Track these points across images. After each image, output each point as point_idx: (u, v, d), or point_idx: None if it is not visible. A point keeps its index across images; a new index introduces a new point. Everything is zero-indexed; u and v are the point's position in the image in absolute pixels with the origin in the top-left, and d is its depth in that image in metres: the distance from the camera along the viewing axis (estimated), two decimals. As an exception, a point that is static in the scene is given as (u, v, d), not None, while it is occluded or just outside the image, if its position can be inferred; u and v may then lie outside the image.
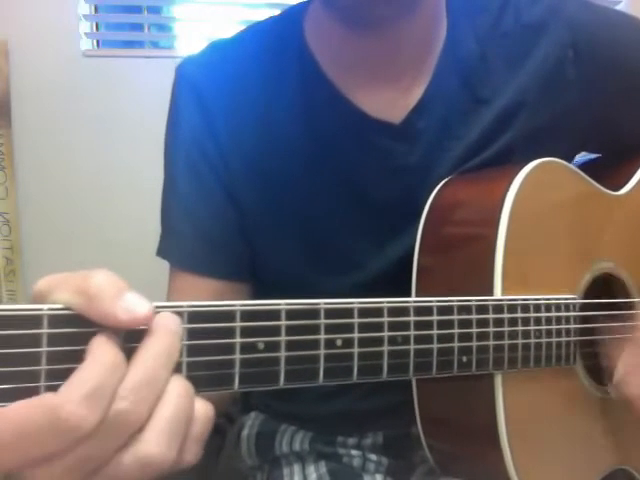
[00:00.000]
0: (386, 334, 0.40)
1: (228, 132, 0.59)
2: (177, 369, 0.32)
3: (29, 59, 1.33)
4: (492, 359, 0.47)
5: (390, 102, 0.59)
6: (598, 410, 0.58)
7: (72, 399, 0.27)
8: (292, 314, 0.36)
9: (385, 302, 0.41)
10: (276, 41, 0.61)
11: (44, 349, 0.29)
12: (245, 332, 0.34)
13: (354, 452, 0.68)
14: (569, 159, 0.64)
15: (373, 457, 0.68)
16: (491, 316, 0.47)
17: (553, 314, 0.52)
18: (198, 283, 0.59)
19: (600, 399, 0.58)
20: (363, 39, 0.57)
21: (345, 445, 0.68)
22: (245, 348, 0.34)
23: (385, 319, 0.40)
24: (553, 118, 0.61)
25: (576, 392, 0.56)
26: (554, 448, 0.53)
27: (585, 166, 0.66)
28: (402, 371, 0.42)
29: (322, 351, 0.37)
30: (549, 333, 0.51)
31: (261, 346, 0.35)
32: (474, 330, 0.46)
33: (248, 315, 0.34)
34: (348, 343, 0.39)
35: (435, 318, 0.43)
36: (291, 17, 0.63)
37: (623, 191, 0.64)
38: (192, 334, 0.33)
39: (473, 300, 0.46)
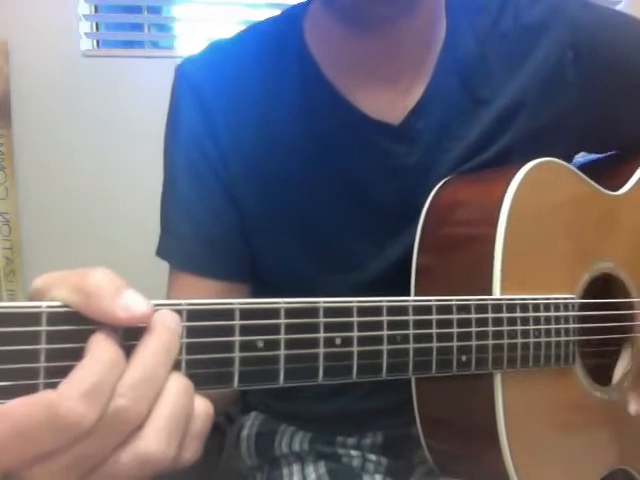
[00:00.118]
0: (385, 333, 0.40)
1: (228, 132, 0.59)
2: (176, 367, 0.32)
3: (29, 59, 1.33)
4: (491, 358, 0.47)
5: (389, 103, 0.59)
6: (597, 410, 0.58)
7: (71, 396, 0.27)
8: (291, 312, 0.36)
9: (384, 301, 0.41)
10: (276, 41, 0.61)
11: (43, 346, 0.29)
12: (244, 330, 0.34)
13: (353, 452, 0.68)
14: (568, 159, 0.64)
15: (372, 457, 0.68)
16: (490, 315, 0.47)
17: (552, 314, 0.52)
18: (198, 283, 0.59)
19: (599, 399, 0.58)
20: (362, 39, 0.57)
21: (344, 445, 0.68)
22: (244, 346, 0.34)
23: (384, 318, 0.40)
24: (553, 118, 0.61)
25: (575, 392, 0.56)
26: (553, 448, 0.53)
27: (584, 166, 0.66)
28: (401, 370, 0.42)
29: (321, 350, 0.37)
30: (548, 333, 0.51)
31: (260, 344, 0.35)
32: (473, 329, 0.46)
33: (247, 313, 0.34)
34: (347, 342, 0.38)
35: (434, 317, 0.43)
36: (291, 17, 0.63)
37: (622, 191, 0.64)
38: (191, 332, 0.33)
39: (472, 299, 0.46)
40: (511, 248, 0.50)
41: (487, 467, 0.53)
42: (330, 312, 0.38)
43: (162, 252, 0.61)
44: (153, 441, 0.29)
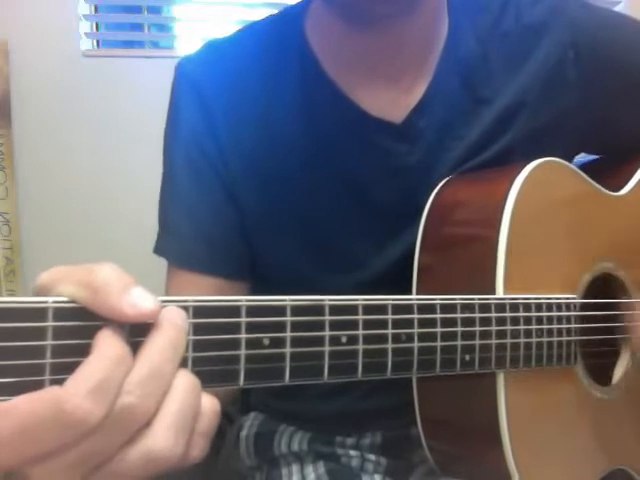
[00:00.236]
0: (390, 331, 0.40)
1: (228, 130, 0.59)
2: (183, 364, 0.32)
3: (29, 59, 1.33)
4: (494, 358, 0.47)
5: (391, 101, 0.59)
6: (598, 410, 0.58)
7: (78, 393, 0.27)
8: (297, 310, 0.36)
9: (389, 299, 0.41)
10: (276, 39, 0.61)
11: (49, 342, 0.29)
12: (250, 327, 0.34)
13: (352, 452, 0.67)
14: (569, 159, 0.64)
15: (372, 457, 0.67)
16: (493, 315, 0.47)
17: (554, 313, 0.52)
18: (197, 281, 0.59)
19: (600, 399, 0.58)
20: (364, 37, 0.57)
21: (344, 445, 0.68)
22: (250, 344, 0.34)
23: (389, 316, 0.40)
24: (553, 118, 0.62)
25: (576, 392, 0.56)
26: (554, 448, 0.53)
27: (585, 167, 0.66)
28: (406, 369, 0.42)
29: (327, 348, 0.37)
30: (550, 332, 0.51)
31: (266, 342, 0.35)
32: (477, 328, 0.46)
33: (253, 310, 0.34)
34: (353, 340, 0.38)
35: (438, 316, 0.43)
36: (291, 16, 0.63)
37: (623, 192, 0.64)
38: (198, 329, 0.33)
39: (476, 298, 0.46)
40: (514, 248, 0.50)
41: (489, 467, 0.53)
42: (336, 310, 0.38)
43: (160, 249, 0.61)
44: (161, 439, 0.29)
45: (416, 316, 0.42)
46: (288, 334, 0.36)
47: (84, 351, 0.29)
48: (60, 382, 0.28)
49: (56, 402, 0.27)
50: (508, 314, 0.48)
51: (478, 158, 0.60)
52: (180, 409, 0.30)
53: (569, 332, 0.53)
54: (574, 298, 0.54)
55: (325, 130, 0.59)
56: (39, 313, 0.28)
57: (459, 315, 0.45)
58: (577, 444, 0.56)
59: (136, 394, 0.29)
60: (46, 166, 1.35)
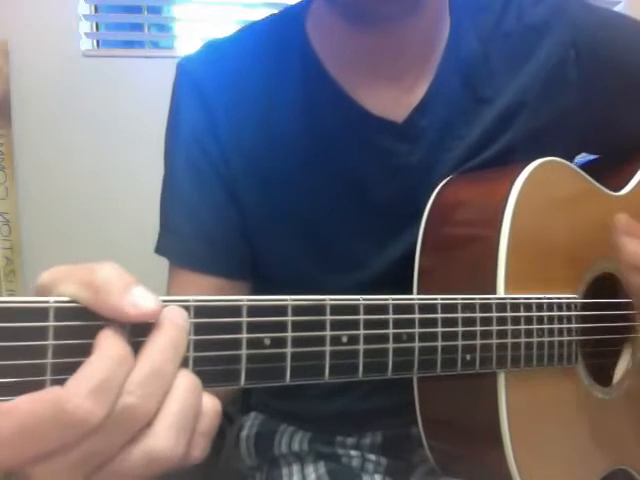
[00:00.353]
0: (391, 331, 0.40)
1: (229, 130, 0.59)
2: (184, 364, 0.32)
3: (29, 59, 1.33)
4: (495, 357, 0.47)
5: (393, 101, 0.59)
6: (599, 410, 0.58)
7: (79, 393, 0.27)
8: (298, 310, 0.36)
9: (390, 299, 0.41)
10: (277, 39, 0.61)
11: (50, 342, 0.29)
12: (251, 327, 0.34)
13: (353, 452, 0.67)
14: (570, 159, 0.64)
15: (372, 457, 0.67)
16: (494, 314, 0.47)
17: (555, 313, 0.52)
18: (198, 280, 0.59)
19: (601, 399, 0.58)
20: (366, 36, 0.57)
21: (344, 445, 0.68)
22: (251, 343, 0.34)
23: (390, 316, 0.40)
24: (553, 118, 0.62)
25: (577, 392, 0.56)
26: (555, 448, 0.53)
27: (586, 166, 0.66)
28: (407, 369, 0.42)
29: (328, 348, 0.37)
30: (551, 332, 0.51)
31: (267, 342, 0.35)
32: (478, 328, 0.46)
33: (255, 310, 0.34)
34: (354, 340, 0.38)
35: (439, 316, 0.43)
36: (292, 15, 0.63)
37: (624, 191, 0.64)
38: (199, 329, 0.33)
39: (477, 298, 0.46)
40: (515, 247, 0.50)
41: (490, 467, 0.53)
42: (337, 310, 0.38)
43: (161, 249, 0.61)
44: (162, 439, 0.29)
45: (417, 316, 0.42)
46: (289, 334, 0.36)
47: (85, 351, 0.29)
48: (61, 382, 0.28)
49: (57, 402, 0.27)
50: (509, 314, 0.48)
51: (479, 158, 0.60)
52: (181, 409, 0.30)
53: (570, 332, 0.53)
54: (575, 298, 0.54)
55: (326, 130, 0.59)
56: (40, 313, 0.28)
57: (460, 315, 0.45)
58: (578, 444, 0.56)
59: (137, 394, 0.29)
60: (46, 166, 1.35)
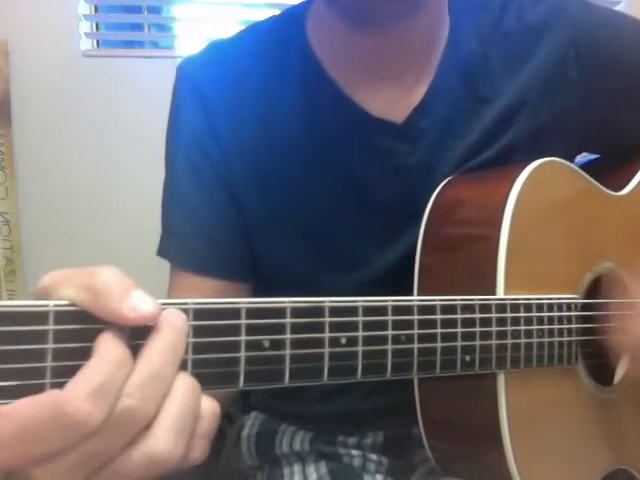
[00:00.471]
0: (390, 333, 0.40)
1: (229, 131, 0.59)
2: (183, 366, 0.32)
3: (29, 59, 1.33)
4: (495, 358, 0.47)
5: (392, 101, 0.59)
6: (599, 410, 0.58)
7: (78, 395, 0.27)
8: (297, 312, 0.36)
9: (389, 300, 0.41)
10: (277, 40, 0.61)
11: (50, 346, 0.29)
12: (250, 330, 0.34)
13: (354, 452, 0.68)
14: (570, 159, 0.64)
15: (373, 457, 0.67)
16: (494, 315, 0.47)
17: (555, 314, 0.52)
18: (199, 282, 0.59)
19: (601, 399, 0.58)
20: (366, 38, 0.57)
21: (345, 445, 0.68)
22: (250, 346, 0.34)
23: (389, 318, 0.40)
24: (553, 118, 0.62)
25: (577, 392, 0.56)
26: (555, 448, 0.53)
27: (586, 166, 0.66)
28: (406, 370, 0.42)
29: (327, 349, 0.37)
30: (551, 333, 0.51)
31: (266, 344, 0.35)
32: (477, 329, 0.46)
33: (253, 312, 0.34)
34: (352, 341, 0.38)
35: (439, 317, 0.43)
36: (292, 16, 0.63)
37: (624, 191, 0.64)
38: (197, 331, 0.33)
39: (476, 299, 0.46)
40: (515, 248, 0.50)
41: (490, 467, 0.53)
42: (335, 312, 0.38)
43: (163, 251, 0.61)
44: (161, 441, 0.29)
45: (416, 317, 0.42)
46: (288, 336, 0.36)
47: (85, 354, 0.29)
48: (61, 385, 0.28)
49: (57, 404, 0.27)
50: (509, 314, 0.48)
51: (479, 158, 0.60)
52: (180, 411, 0.30)
53: (570, 332, 0.53)
54: (575, 298, 0.54)
55: (326, 130, 0.59)
56: (40, 316, 0.29)
57: (459, 316, 0.45)
58: (578, 444, 0.56)
59: (136, 397, 0.29)
60: (46, 166, 1.35)
